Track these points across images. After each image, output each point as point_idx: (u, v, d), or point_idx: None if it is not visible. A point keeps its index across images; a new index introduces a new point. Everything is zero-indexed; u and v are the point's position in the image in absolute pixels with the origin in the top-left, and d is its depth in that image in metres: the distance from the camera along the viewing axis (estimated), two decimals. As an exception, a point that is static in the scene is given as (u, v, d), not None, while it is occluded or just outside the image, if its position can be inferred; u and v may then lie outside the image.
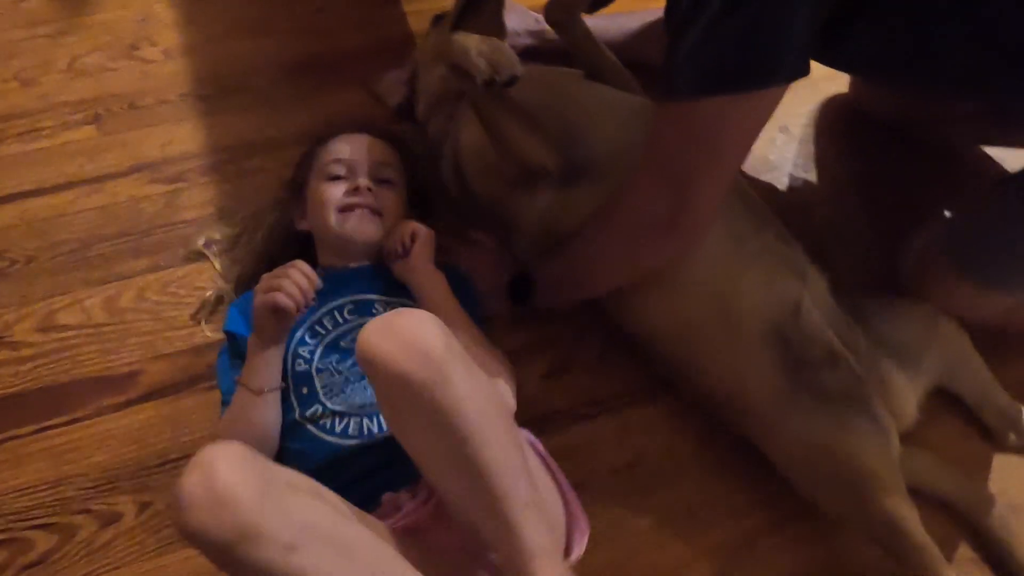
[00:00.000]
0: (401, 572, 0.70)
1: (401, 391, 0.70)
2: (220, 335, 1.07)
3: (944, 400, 1.07)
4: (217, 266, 1.10)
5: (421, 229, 1.01)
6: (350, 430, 0.88)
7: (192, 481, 0.62)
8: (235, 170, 1.23)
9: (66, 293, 1.11)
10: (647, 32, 1.30)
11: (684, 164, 0.83)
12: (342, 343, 0.94)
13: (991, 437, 1.07)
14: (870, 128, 1.31)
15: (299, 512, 0.65)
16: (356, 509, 0.75)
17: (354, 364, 0.91)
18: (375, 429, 0.88)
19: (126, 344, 1.08)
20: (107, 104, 1.28)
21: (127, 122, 1.26)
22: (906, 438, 1.00)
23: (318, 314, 0.96)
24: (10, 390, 1.04)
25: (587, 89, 1.08)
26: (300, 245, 1.05)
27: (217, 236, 1.13)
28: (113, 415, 1.03)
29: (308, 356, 0.93)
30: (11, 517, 0.96)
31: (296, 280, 0.87)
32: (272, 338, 0.90)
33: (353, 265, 1.02)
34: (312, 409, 0.90)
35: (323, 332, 0.96)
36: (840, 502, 0.91)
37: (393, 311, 0.74)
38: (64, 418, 1.02)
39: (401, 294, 1.00)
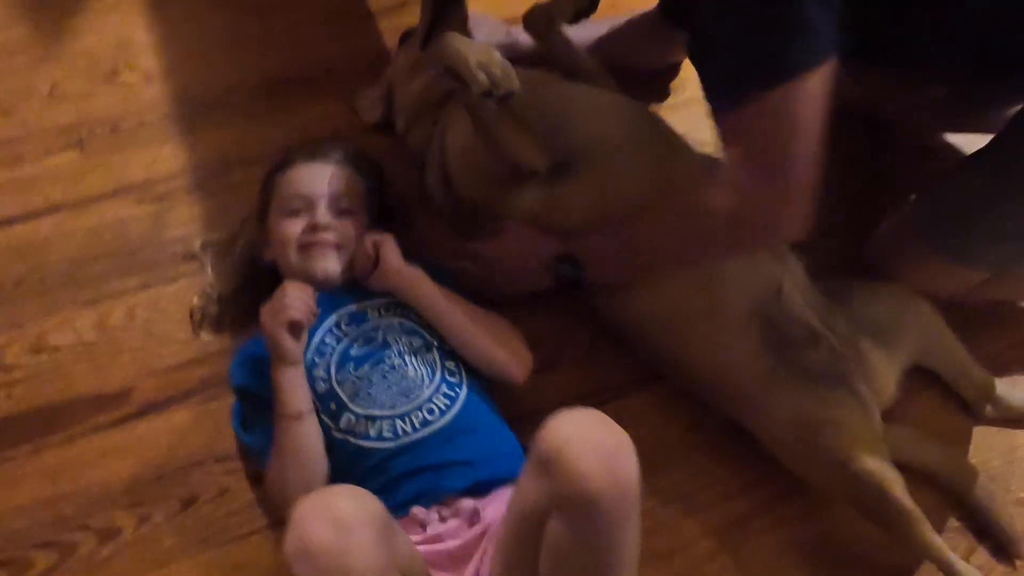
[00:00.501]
0: None
1: (584, 511, 0.70)
2: (217, 343, 1.10)
3: (923, 377, 1.11)
4: (210, 271, 1.12)
5: (379, 236, 1.02)
6: (385, 432, 0.91)
7: (323, 540, 0.67)
8: (219, 185, 1.24)
9: (56, 314, 1.12)
10: (615, 35, 1.35)
11: (777, 152, 0.84)
12: (351, 352, 0.97)
13: (969, 410, 1.11)
14: (840, 121, 1.34)
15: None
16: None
17: (371, 366, 0.95)
18: (408, 429, 0.91)
19: (118, 361, 1.09)
20: (89, 128, 1.29)
21: (110, 145, 1.28)
22: (889, 414, 1.04)
23: (317, 338, 0.98)
24: (3, 412, 1.05)
25: (566, 87, 1.11)
26: (272, 270, 1.07)
27: (214, 237, 1.15)
28: (108, 432, 1.04)
29: (324, 375, 0.96)
30: (9, 537, 0.97)
31: (296, 296, 0.91)
32: (293, 359, 0.92)
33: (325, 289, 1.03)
34: (344, 419, 0.93)
35: (330, 350, 0.98)
36: (827, 474, 0.94)
37: (586, 411, 0.74)
38: (59, 436, 1.04)
39: (389, 310, 1.02)
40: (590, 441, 0.71)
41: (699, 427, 1.07)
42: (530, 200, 1.06)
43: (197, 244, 1.15)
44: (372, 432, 0.91)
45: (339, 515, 0.68)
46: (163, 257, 1.18)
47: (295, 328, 0.91)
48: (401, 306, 1.01)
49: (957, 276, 1.06)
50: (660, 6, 1.32)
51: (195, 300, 1.11)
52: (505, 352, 1.00)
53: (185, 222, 1.21)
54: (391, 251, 1.01)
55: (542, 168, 1.04)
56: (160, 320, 1.12)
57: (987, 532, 1.01)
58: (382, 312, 1.01)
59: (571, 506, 0.71)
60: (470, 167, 1.11)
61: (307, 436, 0.91)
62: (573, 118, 1.05)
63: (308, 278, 1.01)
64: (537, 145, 1.03)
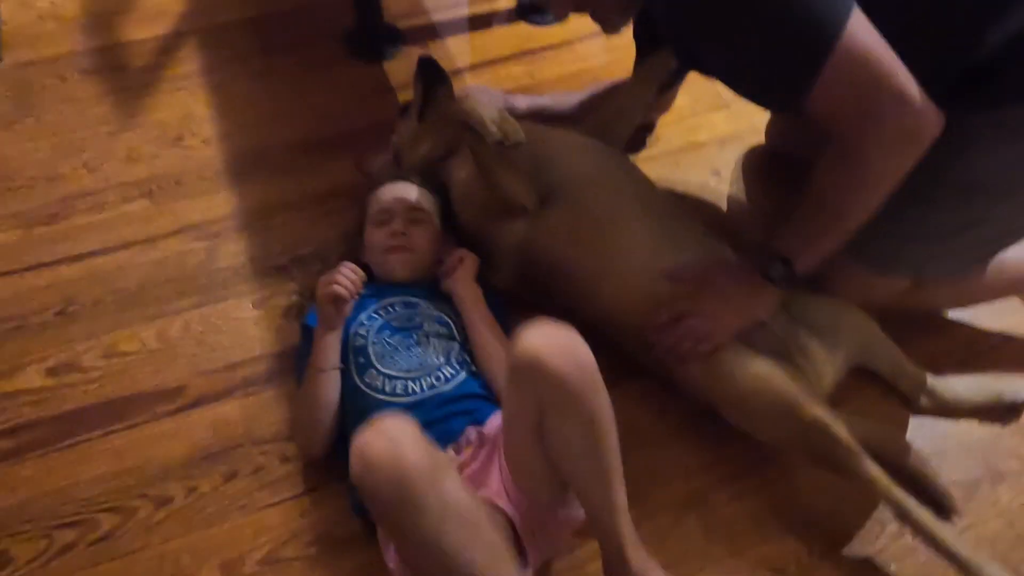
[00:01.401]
0: (503, 549, 0.91)
1: (557, 392, 0.90)
2: (257, 350, 1.31)
3: (865, 376, 1.26)
4: (297, 276, 1.38)
5: (468, 254, 1.27)
6: (398, 390, 1.11)
7: (380, 450, 0.82)
8: (262, 226, 1.49)
9: (126, 327, 1.34)
10: (596, 99, 1.58)
11: (872, 87, 0.93)
12: (393, 323, 1.19)
13: (907, 403, 1.25)
14: (784, 167, 1.54)
15: (448, 491, 0.85)
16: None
17: (402, 338, 1.16)
18: (418, 389, 1.11)
19: (175, 365, 1.30)
20: (158, 182, 1.56)
21: (174, 195, 1.54)
22: (838, 406, 1.17)
23: (376, 305, 1.21)
24: (81, 404, 1.26)
25: (548, 133, 1.33)
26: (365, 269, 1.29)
27: (301, 254, 1.40)
28: (165, 420, 1.24)
29: (365, 333, 1.17)
30: (81, 502, 1.16)
31: (346, 275, 1.12)
32: (331, 325, 1.13)
33: (401, 284, 1.26)
34: (368, 374, 1.13)
35: (378, 317, 1.20)
36: (777, 427, 1.08)
37: (546, 324, 0.93)
38: (125, 424, 1.23)
39: (437, 306, 1.23)
40: (552, 343, 0.91)
41: (663, 417, 1.23)
42: (520, 229, 1.28)
43: (286, 258, 1.40)
44: (388, 388, 1.11)
45: (389, 430, 0.84)
46: (214, 282, 1.40)
47: (338, 300, 1.11)
48: (445, 306, 1.23)
49: (879, 284, 1.22)
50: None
51: (293, 298, 1.35)
52: (497, 368, 1.17)
53: (234, 255, 1.44)
54: (469, 268, 1.25)
55: (532, 206, 1.26)
56: (210, 332, 1.34)
57: (925, 495, 1.13)
58: (428, 306, 1.22)
59: (558, 401, 0.90)
60: (469, 200, 1.33)
61: (326, 390, 1.12)
62: (553, 158, 1.28)
63: (387, 275, 1.26)
64: (528, 186, 1.26)
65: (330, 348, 1.13)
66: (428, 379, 1.12)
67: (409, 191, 1.32)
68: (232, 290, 1.39)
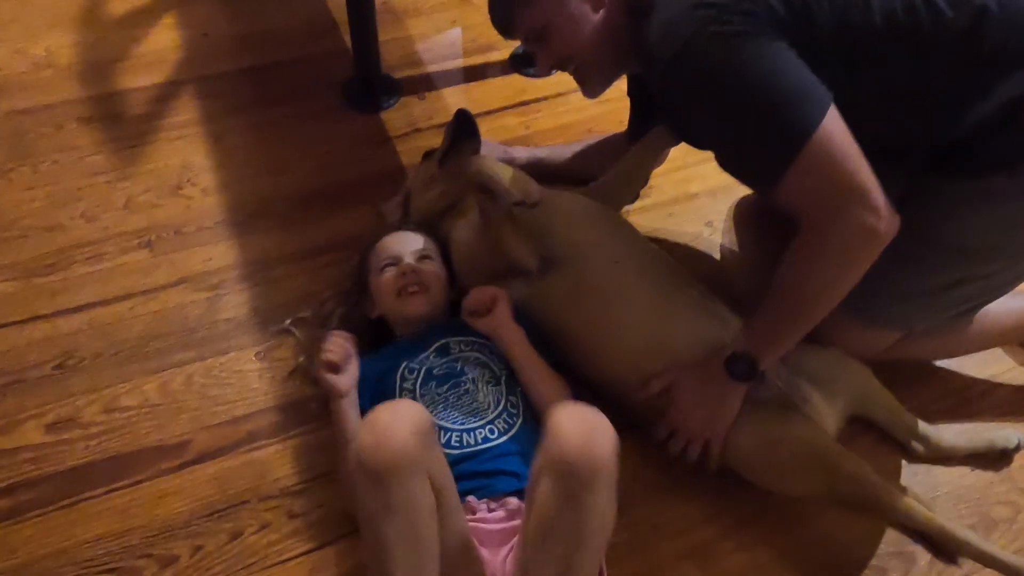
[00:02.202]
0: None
1: (561, 472, 0.86)
2: (261, 403, 1.31)
3: (857, 425, 1.29)
4: (300, 337, 1.36)
5: (500, 292, 1.25)
6: (453, 442, 1.11)
7: (381, 417, 0.88)
8: (263, 278, 1.49)
9: (127, 381, 1.33)
10: (589, 152, 1.63)
11: (837, 186, 0.99)
12: (435, 372, 1.19)
13: (902, 450, 1.29)
14: (774, 216, 1.59)
15: (415, 492, 0.87)
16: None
17: (449, 388, 1.17)
18: (472, 442, 1.11)
19: (178, 419, 1.29)
20: (157, 232, 1.56)
21: (174, 245, 1.54)
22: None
23: (414, 361, 1.21)
24: (81, 461, 1.24)
25: (553, 197, 1.34)
26: (376, 328, 1.31)
27: (305, 314, 1.39)
28: (168, 476, 1.23)
29: (411, 387, 1.18)
30: (83, 564, 1.14)
31: (333, 342, 1.13)
32: (338, 393, 1.13)
33: (423, 327, 1.27)
34: None
35: (419, 369, 1.20)
36: (808, 480, 1.12)
37: (586, 407, 0.91)
38: (127, 481, 1.22)
39: (462, 332, 1.25)
40: (578, 419, 0.90)
41: (667, 469, 1.24)
42: (517, 290, 1.30)
43: (287, 321, 1.39)
44: (442, 439, 1.11)
45: (399, 407, 0.89)
46: (216, 334, 1.40)
47: (332, 367, 1.12)
48: (478, 344, 1.24)
49: (871, 337, 1.26)
50: (628, 131, 1.61)
51: (300, 359, 1.34)
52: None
53: (236, 306, 1.44)
54: (505, 307, 1.24)
55: (533, 268, 1.28)
56: (214, 385, 1.34)
57: (929, 540, 1.16)
58: (463, 348, 1.23)
59: (554, 466, 0.87)
60: (470, 261, 1.35)
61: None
62: (555, 225, 1.30)
63: (405, 319, 1.27)
64: (531, 249, 1.28)
65: (349, 415, 1.13)
66: (482, 431, 1.13)
67: (413, 238, 1.34)
68: (234, 342, 1.39)
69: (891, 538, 1.19)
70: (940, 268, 1.17)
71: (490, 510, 1.06)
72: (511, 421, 1.15)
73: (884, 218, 1.00)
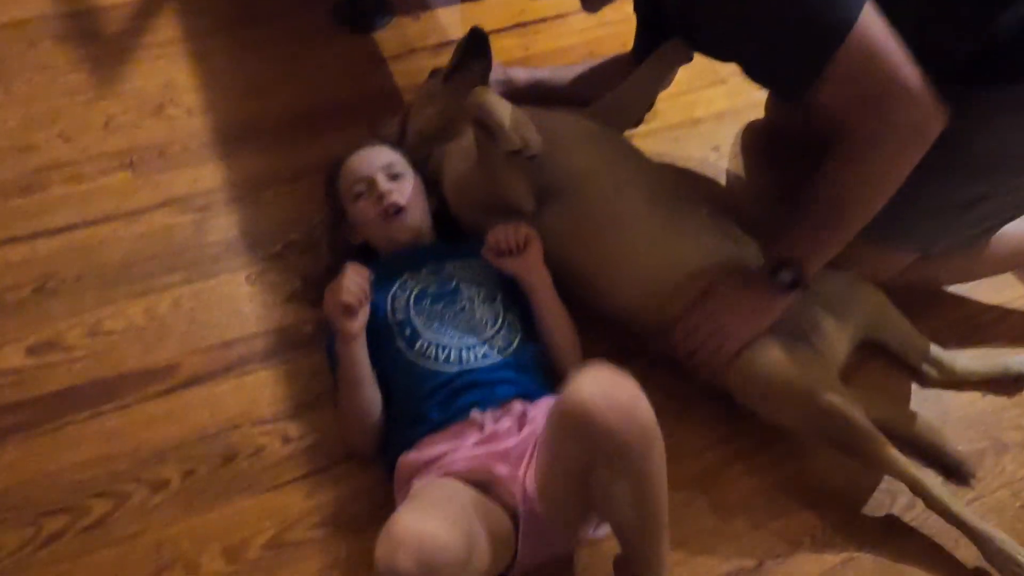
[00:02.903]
0: None
1: (612, 451, 0.84)
2: (252, 326, 1.26)
3: (867, 350, 1.26)
4: (292, 264, 1.31)
5: (532, 234, 1.16)
6: (451, 358, 1.07)
7: (419, 530, 0.78)
8: (252, 200, 1.43)
9: (111, 304, 1.28)
10: (593, 74, 1.56)
11: (879, 82, 0.95)
12: (429, 290, 1.14)
13: (915, 375, 1.26)
14: (783, 142, 1.54)
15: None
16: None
17: (445, 305, 1.12)
18: (470, 359, 1.07)
19: (165, 343, 1.24)
20: (139, 153, 1.48)
21: (157, 166, 1.46)
22: (846, 380, 1.18)
23: (403, 278, 1.15)
24: (65, 384, 1.19)
25: (550, 120, 1.26)
26: (362, 249, 1.24)
27: (293, 238, 1.33)
28: (157, 400, 1.18)
29: (402, 306, 1.12)
30: (70, 488, 1.09)
31: (351, 280, 1.05)
32: (352, 335, 1.05)
33: (411, 246, 1.22)
34: (419, 344, 1.08)
35: (408, 287, 1.14)
36: (794, 412, 1.08)
37: (602, 373, 0.86)
38: (114, 405, 1.17)
39: (454, 256, 1.20)
40: (611, 400, 0.83)
41: (674, 393, 1.20)
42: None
43: (278, 246, 1.34)
44: (441, 356, 1.06)
45: (425, 551, 0.77)
46: (204, 257, 1.34)
47: (349, 310, 1.04)
48: (473, 265, 1.18)
49: (888, 258, 1.22)
50: (634, 51, 1.54)
51: (297, 283, 1.29)
52: (566, 351, 1.17)
53: (224, 229, 1.38)
54: (538, 250, 1.16)
55: (529, 210, 1.21)
56: (202, 308, 1.28)
57: (938, 465, 1.15)
58: (457, 268, 1.18)
59: (610, 458, 0.85)
60: (464, 196, 1.28)
61: (366, 396, 1.06)
62: (553, 152, 1.20)
63: (394, 243, 1.21)
64: (528, 190, 1.21)
65: (358, 358, 1.06)
66: (480, 348, 1.08)
67: (377, 153, 1.26)
68: (223, 265, 1.33)
69: (900, 462, 1.17)
70: (965, 182, 1.12)
71: (495, 420, 1.02)
72: (509, 338, 1.11)
73: (932, 113, 0.96)
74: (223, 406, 1.18)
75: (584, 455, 0.87)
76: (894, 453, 1.05)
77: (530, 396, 1.06)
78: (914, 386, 1.26)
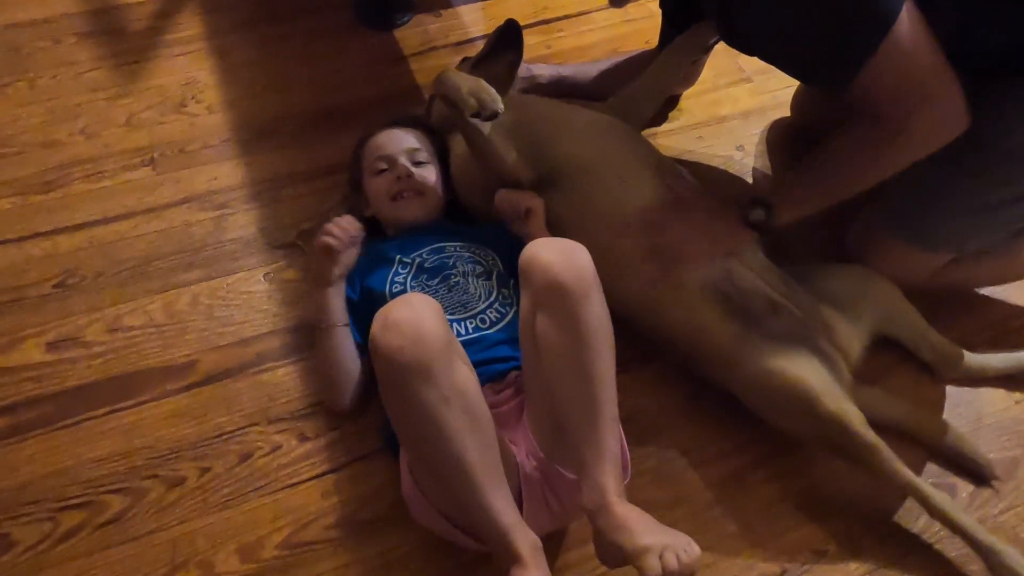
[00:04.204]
0: (497, 454, 0.89)
1: (553, 295, 0.89)
2: (270, 324, 1.26)
3: (898, 352, 1.22)
4: (307, 251, 1.31)
5: (537, 203, 1.18)
6: None
7: (402, 314, 0.84)
8: (271, 197, 1.42)
9: (130, 301, 1.28)
10: (618, 70, 1.54)
11: (912, 84, 0.97)
12: (426, 265, 1.15)
13: (930, 372, 1.22)
14: (809, 141, 1.50)
15: (459, 375, 0.86)
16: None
17: (440, 280, 1.13)
18: (463, 331, 1.08)
19: (184, 339, 1.24)
20: (160, 150, 1.48)
21: (178, 163, 1.46)
22: (873, 383, 1.17)
23: (405, 257, 1.17)
24: (84, 380, 1.19)
25: (553, 110, 1.27)
26: (371, 225, 1.24)
27: (307, 227, 1.33)
28: (174, 397, 1.18)
29: (402, 281, 1.14)
30: (88, 483, 1.09)
31: (339, 223, 1.11)
32: (328, 279, 1.11)
33: (416, 228, 1.23)
34: None
35: (410, 264, 1.16)
36: (797, 420, 1.05)
37: (551, 238, 0.95)
38: (132, 401, 1.17)
39: (457, 237, 1.21)
40: (553, 245, 0.93)
41: (696, 397, 1.19)
42: None
43: (294, 234, 1.34)
44: None
45: (413, 301, 0.87)
46: (222, 254, 1.34)
47: (328, 251, 1.09)
48: (473, 246, 1.19)
49: (920, 259, 1.19)
50: (659, 48, 1.51)
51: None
52: None
53: (243, 226, 1.38)
54: (540, 217, 1.17)
55: (527, 182, 1.20)
56: (220, 306, 1.28)
57: (965, 468, 1.13)
58: (457, 248, 1.19)
59: (545, 296, 0.90)
60: (466, 178, 1.28)
61: (337, 343, 1.10)
62: (557, 138, 1.21)
63: (399, 222, 1.23)
64: (522, 162, 1.20)
65: (332, 303, 1.10)
66: (473, 321, 1.09)
67: (405, 136, 1.28)
68: (242, 262, 1.33)
69: (931, 470, 1.14)
70: (1002, 182, 1.09)
71: (496, 392, 1.03)
72: (503, 311, 1.12)
73: (958, 115, 0.98)
74: (240, 404, 1.17)
75: (531, 304, 0.92)
76: (897, 463, 1.02)
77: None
78: (948, 390, 1.22)
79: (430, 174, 1.25)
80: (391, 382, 0.85)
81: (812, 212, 1.14)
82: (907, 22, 0.94)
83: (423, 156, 1.26)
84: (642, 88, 1.35)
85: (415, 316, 0.84)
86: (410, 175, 1.22)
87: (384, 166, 1.24)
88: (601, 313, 0.91)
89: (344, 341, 1.11)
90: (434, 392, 0.83)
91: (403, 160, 1.24)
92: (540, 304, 0.91)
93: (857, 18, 0.95)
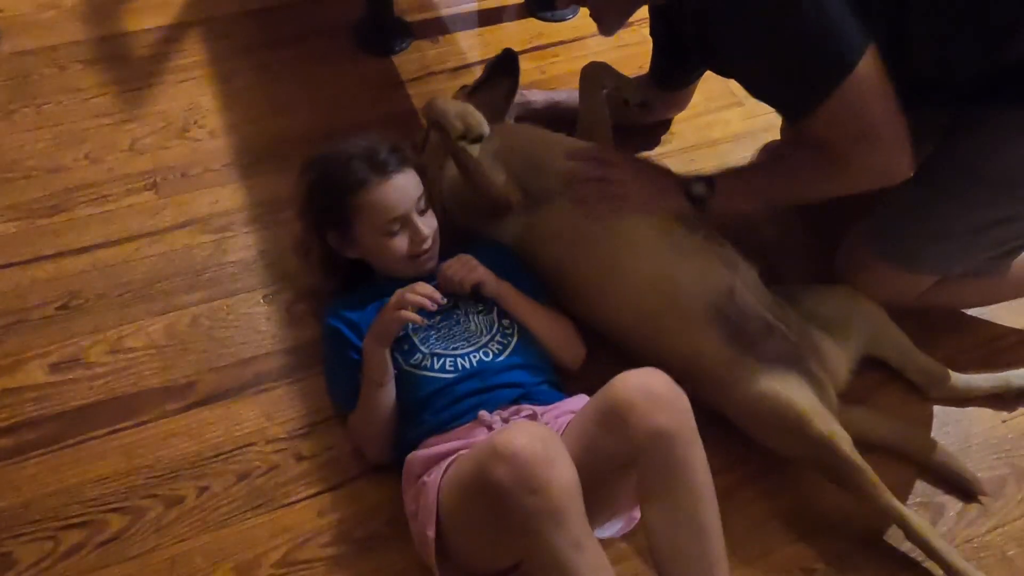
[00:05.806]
0: None
1: (660, 443, 0.87)
2: (269, 345, 1.28)
3: (887, 372, 1.25)
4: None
5: (457, 259, 1.16)
6: (447, 366, 1.09)
7: (532, 446, 0.81)
8: (271, 220, 1.45)
9: (132, 322, 1.30)
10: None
11: (863, 127, 1.02)
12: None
13: (917, 390, 1.24)
14: None
15: (585, 523, 0.83)
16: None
17: (442, 319, 1.14)
18: (467, 365, 1.09)
19: (184, 360, 1.26)
20: (163, 174, 1.52)
21: (180, 187, 1.50)
22: (850, 399, 1.18)
23: None
24: (86, 401, 1.21)
25: (540, 135, 1.31)
26: (354, 266, 1.22)
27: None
28: (174, 418, 1.20)
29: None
30: (88, 503, 1.11)
31: (427, 295, 1.06)
32: (391, 341, 1.08)
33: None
34: (415, 357, 1.11)
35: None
36: (786, 441, 1.08)
37: (647, 373, 0.92)
38: (133, 421, 1.19)
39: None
40: (652, 393, 0.89)
41: (688, 415, 1.21)
42: (512, 227, 1.25)
43: (295, 261, 1.30)
44: (436, 366, 1.09)
45: (543, 434, 0.84)
46: (223, 276, 1.37)
47: (404, 321, 1.06)
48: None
49: (905, 281, 1.21)
50: (650, 73, 1.55)
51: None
52: (563, 346, 1.20)
53: (243, 248, 1.41)
54: (476, 269, 1.15)
55: (515, 201, 1.23)
56: (220, 327, 1.30)
57: (953, 485, 1.15)
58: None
59: (652, 445, 0.87)
60: (456, 198, 1.30)
61: (387, 400, 1.09)
62: (544, 163, 1.24)
63: (409, 275, 1.16)
64: (511, 184, 1.23)
65: (385, 362, 1.09)
66: (476, 355, 1.11)
67: (405, 183, 1.16)
68: (242, 284, 1.36)
69: (920, 489, 1.16)
70: (984, 205, 1.11)
71: (504, 420, 1.04)
72: (505, 342, 1.13)
73: (903, 162, 1.04)
74: (239, 424, 1.20)
75: (622, 446, 0.89)
76: (881, 487, 1.04)
77: (536, 397, 1.08)
78: (936, 410, 1.24)
79: (434, 220, 1.21)
80: (515, 516, 0.82)
81: (746, 209, 1.20)
82: (865, 70, 0.98)
83: (423, 200, 1.19)
84: (583, 125, 1.40)
85: (546, 454, 0.81)
86: (426, 236, 1.17)
87: (396, 228, 1.16)
88: (704, 457, 0.91)
89: (392, 394, 1.10)
90: (566, 537, 0.81)
91: (416, 219, 1.16)
92: (645, 452, 0.88)
93: (815, 62, 1.00)
